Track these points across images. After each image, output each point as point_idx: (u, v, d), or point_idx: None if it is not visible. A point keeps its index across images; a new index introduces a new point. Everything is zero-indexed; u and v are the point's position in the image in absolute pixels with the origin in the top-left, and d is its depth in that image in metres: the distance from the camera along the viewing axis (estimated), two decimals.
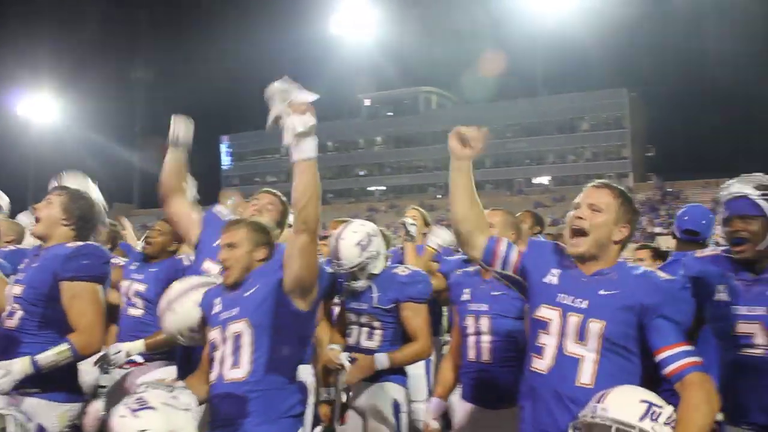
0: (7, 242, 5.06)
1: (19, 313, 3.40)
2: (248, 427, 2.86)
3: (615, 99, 63.59)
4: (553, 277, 2.71)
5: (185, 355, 3.94)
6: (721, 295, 2.90)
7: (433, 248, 5.26)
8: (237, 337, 2.96)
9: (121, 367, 4.22)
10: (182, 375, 3.64)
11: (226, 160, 77.62)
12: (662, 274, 2.63)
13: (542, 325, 2.66)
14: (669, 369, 2.46)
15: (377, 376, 3.99)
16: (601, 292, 2.58)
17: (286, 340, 2.97)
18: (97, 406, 4.31)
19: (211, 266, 3.79)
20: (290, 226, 4.67)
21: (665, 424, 2.29)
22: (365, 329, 4.08)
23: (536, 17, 60.92)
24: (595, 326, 2.53)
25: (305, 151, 2.72)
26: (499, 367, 3.55)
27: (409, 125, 71.16)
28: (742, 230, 2.83)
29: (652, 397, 2.36)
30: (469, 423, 3.67)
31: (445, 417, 3.82)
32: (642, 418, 2.27)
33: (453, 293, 3.86)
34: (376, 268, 4.07)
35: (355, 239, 4.02)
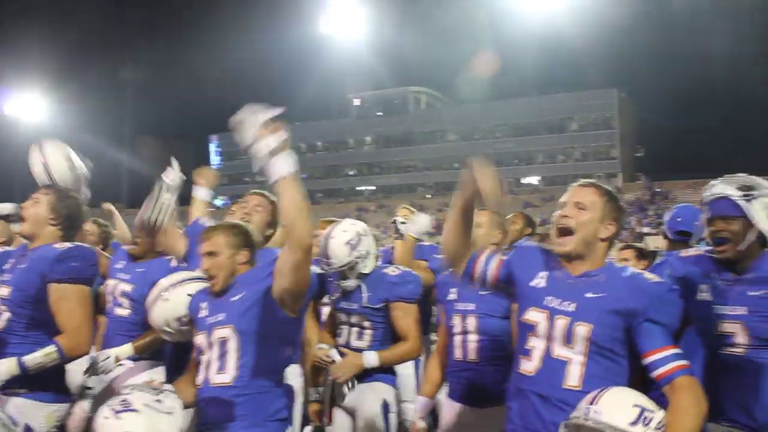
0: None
1: (6, 315, 3.37)
2: (234, 430, 2.85)
3: (604, 99, 63.87)
4: (540, 280, 2.71)
5: (175, 356, 3.93)
6: (704, 295, 2.95)
7: (413, 236, 5.28)
8: (223, 343, 2.93)
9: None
10: (172, 377, 3.63)
11: (215, 160, 77.48)
12: (650, 276, 2.62)
13: (530, 328, 2.66)
14: (657, 372, 2.46)
15: (366, 376, 3.98)
16: (588, 295, 2.57)
17: (272, 345, 2.95)
18: (83, 407, 4.28)
19: None
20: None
21: (656, 429, 2.28)
22: (355, 329, 4.08)
23: (526, 18, 61.03)
24: (582, 329, 2.53)
25: (282, 168, 2.64)
26: (485, 366, 3.56)
27: (399, 125, 71.25)
28: (723, 230, 2.88)
29: (644, 401, 2.35)
30: (455, 422, 3.67)
31: (432, 416, 3.82)
32: (634, 423, 2.25)
33: (440, 292, 3.86)
34: (366, 267, 4.07)
35: (344, 238, 4.02)
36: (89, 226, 5.70)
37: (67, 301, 3.36)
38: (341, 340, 4.12)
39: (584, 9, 58.25)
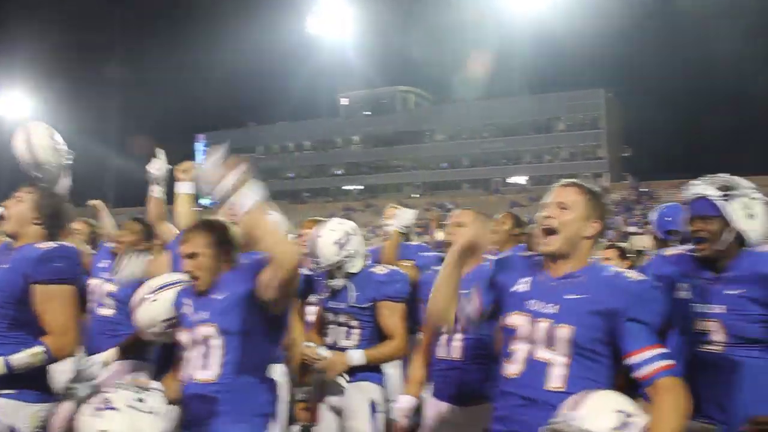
0: None
1: None
2: (218, 426, 2.86)
3: (591, 99, 64.08)
4: (521, 285, 2.72)
5: (163, 356, 3.91)
6: (684, 293, 3.00)
7: (399, 231, 5.27)
8: (206, 340, 2.94)
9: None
10: (160, 375, 3.61)
11: (202, 159, 77.07)
12: (631, 275, 2.62)
13: (512, 331, 2.67)
14: (639, 374, 2.45)
15: (354, 375, 3.98)
16: (569, 297, 2.58)
17: (256, 343, 2.96)
18: (67, 407, 4.25)
19: None
20: None
21: None
22: (343, 328, 4.08)
23: (514, 18, 61.17)
24: (564, 331, 2.53)
25: (247, 201, 2.63)
26: (469, 364, 3.56)
27: (387, 125, 71.22)
28: (702, 230, 2.93)
29: (626, 405, 2.32)
30: (439, 420, 3.68)
31: (417, 414, 3.82)
32: (616, 429, 2.23)
33: (424, 292, 3.86)
34: (354, 267, 4.07)
35: (333, 237, 4.02)
36: (79, 225, 5.68)
37: (52, 302, 3.32)
38: (329, 340, 4.13)
39: (572, 9, 58.47)
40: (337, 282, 4.05)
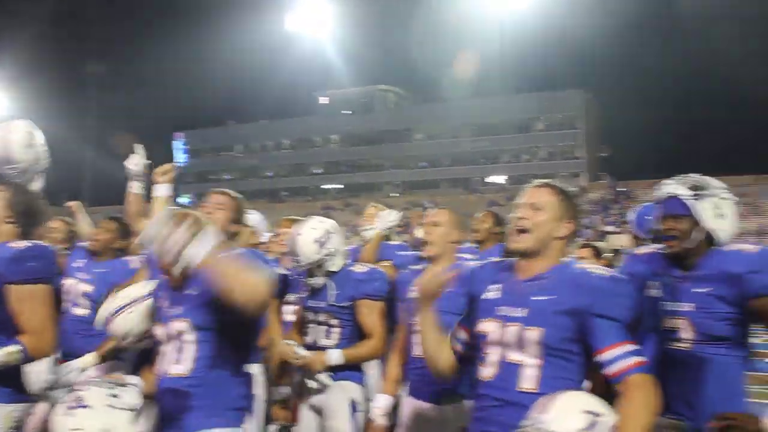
0: None
1: None
2: (191, 420, 2.85)
3: (570, 100, 64.44)
4: (491, 292, 2.73)
5: (140, 354, 3.88)
6: (654, 291, 3.04)
7: (381, 232, 5.27)
8: (180, 335, 2.92)
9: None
10: (138, 368, 3.59)
11: (181, 158, 76.81)
12: (595, 270, 2.61)
13: (484, 337, 2.68)
14: (609, 370, 2.43)
15: (334, 375, 3.97)
16: (537, 299, 2.58)
17: (230, 339, 2.94)
18: (44, 408, 4.21)
19: None
20: (248, 226, 4.65)
21: None
22: (323, 327, 4.08)
23: (494, 18, 61.40)
24: (533, 334, 2.54)
25: (199, 252, 2.59)
26: None
27: (367, 124, 71.24)
28: (672, 228, 2.99)
29: (595, 405, 2.31)
30: (415, 419, 3.69)
31: (393, 414, 3.82)
32: (584, 430, 2.22)
33: (400, 291, 3.86)
34: (334, 265, 4.07)
35: (313, 236, 4.02)
36: (56, 224, 5.61)
37: (27, 302, 3.27)
38: (309, 339, 4.12)
39: (552, 10, 58.82)
40: (317, 280, 4.05)
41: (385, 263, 5.17)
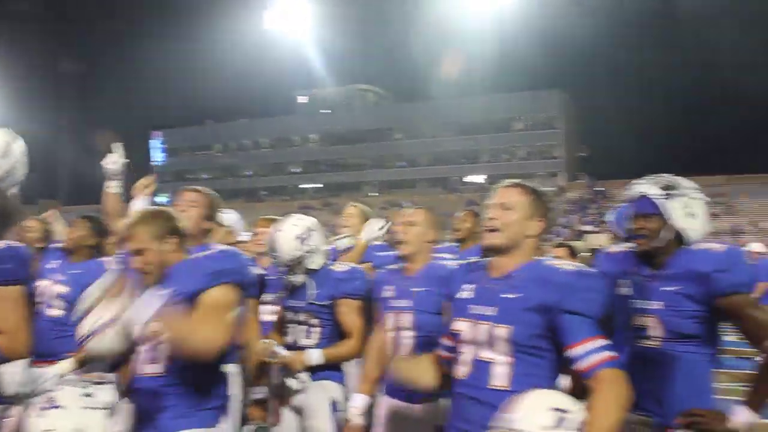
0: None
1: None
2: (166, 419, 2.84)
3: (549, 100, 64.84)
4: (464, 291, 2.76)
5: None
6: (625, 290, 3.08)
7: (364, 242, 5.27)
8: (155, 335, 2.89)
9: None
10: (117, 366, 3.57)
11: (159, 156, 76.34)
12: (562, 266, 2.62)
13: (458, 336, 2.71)
14: (580, 365, 2.43)
15: (314, 374, 3.97)
16: (506, 296, 2.60)
17: None
18: (17, 411, 4.16)
19: None
20: (223, 225, 4.63)
21: (577, 430, 2.23)
22: (303, 327, 4.07)
23: (474, 18, 61.57)
24: (502, 331, 2.56)
25: (144, 313, 2.63)
26: None
27: (345, 123, 71.22)
28: (643, 228, 3.04)
29: (564, 402, 2.30)
30: (391, 418, 3.70)
31: (369, 413, 3.82)
32: (550, 428, 2.21)
33: (376, 290, 3.87)
34: (314, 263, 4.06)
35: (294, 232, 4.01)
36: (32, 223, 5.55)
37: (2, 303, 3.23)
38: (290, 339, 4.11)
39: (532, 11, 59.10)
40: (297, 278, 4.04)
41: (365, 265, 5.17)
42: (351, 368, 4.37)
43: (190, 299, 2.84)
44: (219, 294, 2.84)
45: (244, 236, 5.68)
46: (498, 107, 65.46)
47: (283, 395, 4.09)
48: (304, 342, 4.05)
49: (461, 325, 2.70)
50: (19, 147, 3.82)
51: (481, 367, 2.60)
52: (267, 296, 4.65)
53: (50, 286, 4.49)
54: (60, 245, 4.75)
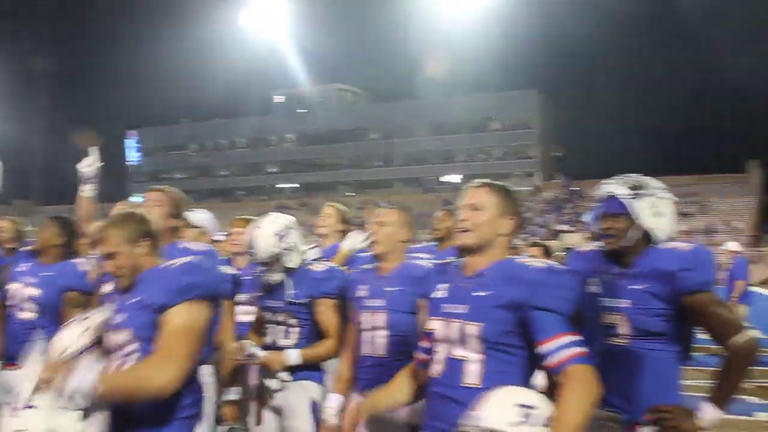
0: None
1: None
2: (140, 429, 2.78)
3: (525, 100, 65.14)
4: (439, 291, 2.79)
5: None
6: (593, 288, 3.11)
7: (346, 251, 5.27)
8: (125, 344, 2.84)
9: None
10: None
11: (134, 156, 75.66)
12: (531, 263, 2.65)
13: (432, 335, 2.74)
14: (550, 362, 2.44)
15: (294, 375, 3.97)
16: (477, 294, 2.62)
17: None
18: None
19: None
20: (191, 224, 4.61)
21: (544, 425, 2.25)
22: (281, 328, 4.07)
23: (449, 18, 61.73)
24: (472, 329, 2.58)
25: (85, 381, 2.51)
26: (394, 361, 3.57)
27: (322, 123, 71.03)
28: (611, 227, 3.07)
29: (530, 398, 2.32)
30: (366, 418, 3.69)
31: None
32: (516, 424, 2.21)
33: (350, 289, 3.89)
34: (292, 261, 4.06)
35: (273, 229, 4.02)
36: (3, 223, 5.51)
37: None
38: (268, 340, 4.10)
39: (507, 11, 59.34)
40: (275, 276, 4.04)
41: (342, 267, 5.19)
42: (332, 368, 4.39)
43: (157, 311, 2.79)
44: (185, 314, 2.74)
45: (219, 236, 5.67)
46: (474, 107, 65.65)
47: (262, 396, 4.09)
48: (282, 342, 4.05)
49: (435, 324, 2.72)
50: None
51: (454, 366, 2.62)
52: (242, 296, 4.65)
53: (21, 289, 4.44)
54: (30, 247, 4.71)
